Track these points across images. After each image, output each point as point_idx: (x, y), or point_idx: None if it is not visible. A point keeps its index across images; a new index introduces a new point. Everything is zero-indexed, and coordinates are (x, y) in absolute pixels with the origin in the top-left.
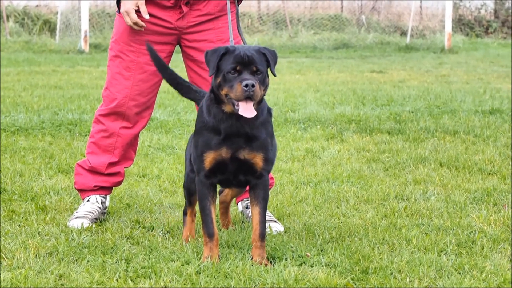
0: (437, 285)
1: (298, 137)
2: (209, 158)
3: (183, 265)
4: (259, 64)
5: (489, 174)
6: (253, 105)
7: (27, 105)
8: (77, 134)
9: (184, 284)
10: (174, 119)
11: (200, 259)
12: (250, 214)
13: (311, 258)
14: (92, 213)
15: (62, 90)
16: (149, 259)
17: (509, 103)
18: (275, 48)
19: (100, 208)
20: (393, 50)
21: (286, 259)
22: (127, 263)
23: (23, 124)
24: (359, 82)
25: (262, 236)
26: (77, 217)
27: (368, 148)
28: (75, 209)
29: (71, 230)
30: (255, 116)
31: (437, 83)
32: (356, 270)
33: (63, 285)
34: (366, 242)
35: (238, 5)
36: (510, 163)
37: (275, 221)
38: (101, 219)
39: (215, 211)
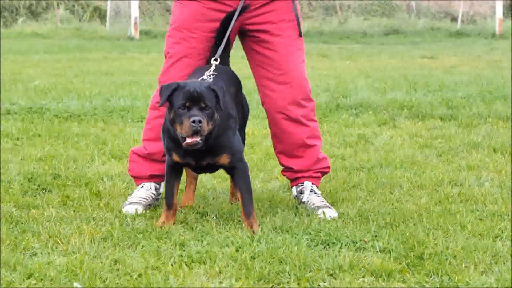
0: (492, 271)
1: (350, 122)
2: (175, 158)
3: (237, 250)
4: (208, 100)
5: None
6: (200, 139)
7: (79, 91)
8: (129, 120)
9: (239, 269)
10: None
11: (254, 244)
12: (303, 200)
13: (366, 243)
14: (146, 199)
15: (113, 76)
16: (203, 244)
17: None
18: (324, 34)
19: (154, 194)
20: (443, 36)
21: (340, 245)
22: (182, 249)
23: (76, 110)
24: (410, 68)
25: (247, 214)
26: (131, 203)
27: (421, 133)
28: (129, 194)
29: (125, 216)
30: (209, 136)
31: (489, 69)
32: (411, 256)
33: (118, 269)
34: (420, 228)
35: None
36: None
37: (329, 207)
38: (155, 205)
39: (178, 186)
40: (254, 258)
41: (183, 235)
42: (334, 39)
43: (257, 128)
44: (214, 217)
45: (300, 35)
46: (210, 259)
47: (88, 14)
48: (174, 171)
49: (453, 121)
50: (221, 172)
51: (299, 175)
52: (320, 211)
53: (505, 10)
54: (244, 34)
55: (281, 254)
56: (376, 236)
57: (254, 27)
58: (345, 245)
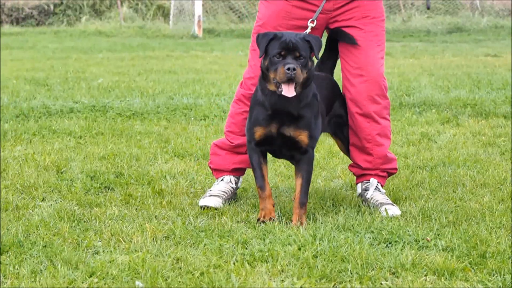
0: None
1: (413, 121)
2: (258, 132)
3: (299, 249)
4: (302, 50)
5: None
6: (295, 87)
7: (142, 89)
8: (192, 119)
9: (301, 268)
10: None
11: (316, 242)
12: (368, 196)
13: (429, 242)
14: (226, 193)
15: (177, 74)
16: (265, 243)
17: None
18: (388, 32)
19: (233, 188)
20: (507, 34)
21: (403, 243)
22: (244, 247)
23: (139, 109)
24: (473, 66)
25: (302, 204)
26: (211, 195)
27: (484, 132)
28: (208, 188)
29: (188, 214)
30: (300, 97)
31: None
32: (474, 254)
33: (180, 268)
34: (483, 226)
35: None
36: None
37: (392, 204)
38: (233, 199)
39: (266, 170)
40: (316, 257)
41: (245, 234)
42: (398, 37)
43: None
44: (277, 215)
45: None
46: (272, 258)
47: (152, 13)
48: (258, 152)
49: None
50: (284, 169)
51: (366, 172)
52: (383, 208)
53: None
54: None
55: (343, 252)
56: (438, 234)
57: (340, 24)
58: (408, 244)
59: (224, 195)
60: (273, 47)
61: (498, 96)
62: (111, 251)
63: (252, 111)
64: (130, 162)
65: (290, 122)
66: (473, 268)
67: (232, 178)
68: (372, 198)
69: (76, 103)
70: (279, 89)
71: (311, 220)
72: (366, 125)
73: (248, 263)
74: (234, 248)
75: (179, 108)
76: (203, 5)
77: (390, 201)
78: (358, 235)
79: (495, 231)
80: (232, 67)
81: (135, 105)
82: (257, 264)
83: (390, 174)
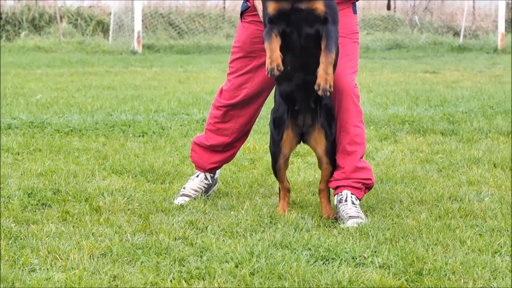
0: (491, 287)
1: None
2: (271, 6)
3: (236, 266)
4: None
5: None
6: None
7: (81, 105)
8: (131, 135)
9: (239, 285)
10: None
11: (253, 260)
12: (340, 208)
13: (365, 259)
14: (197, 191)
15: (116, 90)
16: (202, 260)
17: None
18: None
19: (206, 185)
20: (446, 51)
21: (340, 260)
22: (181, 264)
23: (77, 125)
24: (412, 82)
25: (329, 49)
26: (183, 194)
27: (422, 149)
28: (185, 184)
29: (125, 231)
30: None
31: (491, 84)
32: (410, 272)
33: (117, 286)
34: (420, 243)
35: (355, 3)
36: None
37: (361, 218)
38: (213, 187)
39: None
40: (253, 274)
41: (182, 251)
42: None
43: (258, 143)
44: (214, 232)
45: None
46: (209, 275)
47: (91, 28)
48: (274, 35)
49: (454, 136)
50: (222, 186)
51: (339, 183)
52: (350, 221)
53: (507, 25)
54: None
55: (281, 270)
56: (375, 251)
57: None
58: (345, 261)
59: (195, 194)
60: None
61: (436, 112)
62: (47, 269)
63: None
64: (67, 178)
65: None
66: (409, 285)
67: (208, 175)
68: (343, 210)
69: (14, 119)
70: None
71: (249, 237)
72: (337, 135)
73: (185, 281)
74: (171, 265)
75: (117, 124)
76: (142, 20)
77: (361, 214)
78: (295, 252)
79: (432, 248)
80: (171, 83)
81: (73, 121)
82: (194, 281)
83: (367, 186)
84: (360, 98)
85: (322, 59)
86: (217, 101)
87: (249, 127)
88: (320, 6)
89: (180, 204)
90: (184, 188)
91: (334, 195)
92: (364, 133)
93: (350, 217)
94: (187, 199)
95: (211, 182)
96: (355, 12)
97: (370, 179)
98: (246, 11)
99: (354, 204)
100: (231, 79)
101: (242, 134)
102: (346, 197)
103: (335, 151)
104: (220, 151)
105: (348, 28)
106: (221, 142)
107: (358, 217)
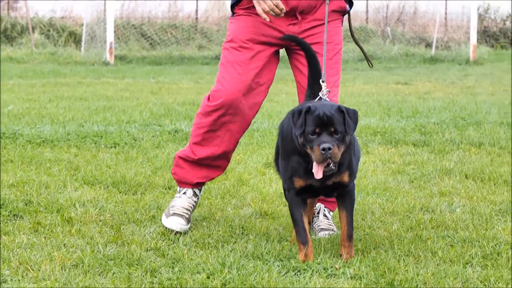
0: None
1: None
2: (298, 183)
3: (208, 277)
4: (337, 124)
5: None
6: (332, 164)
7: (53, 116)
8: (103, 146)
9: None
10: None
11: (225, 271)
12: (313, 220)
13: (337, 270)
14: (189, 210)
15: (88, 101)
16: (174, 271)
17: None
18: None
19: (195, 202)
20: (418, 62)
21: (311, 271)
22: (153, 275)
23: (49, 136)
24: (384, 93)
25: (350, 236)
26: (174, 213)
27: (394, 160)
28: (171, 200)
29: (97, 242)
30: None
31: (462, 95)
32: (382, 282)
33: None
34: (391, 254)
35: (349, 11)
36: None
37: (333, 230)
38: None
39: (307, 220)
40: (225, 285)
41: (154, 262)
42: None
43: None
44: (186, 243)
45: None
46: (181, 286)
47: (64, 39)
48: (298, 205)
49: (425, 147)
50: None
51: None
52: (321, 233)
53: (479, 36)
54: (290, 51)
55: (252, 281)
56: (347, 262)
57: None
58: (316, 272)
59: (187, 213)
60: (308, 123)
61: (408, 124)
62: (19, 280)
63: (290, 158)
64: (39, 189)
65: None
66: None
67: (196, 190)
68: (315, 223)
69: None
70: (310, 165)
71: (220, 248)
72: None
73: None
74: (143, 276)
75: (89, 135)
76: (115, 31)
77: (332, 226)
78: (267, 264)
79: (403, 259)
80: (143, 94)
81: (45, 132)
82: None
83: None
84: None
85: (344, 243)
86: (205, 107)
87: (240, 136)
88: (345, 179)
89: (173, 228)
90: (173, 207)
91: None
92: None
93: (322, 229)
94: (182, 221)
95: (196, 200)
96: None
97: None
98: (237, 4)
99: (326, 216)
100: (222, 75)
101: (233, 145)
102: (319, 210)
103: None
104: (208, 164)
105: (340, 42)
106: (211, 154)
107: (329, 229)
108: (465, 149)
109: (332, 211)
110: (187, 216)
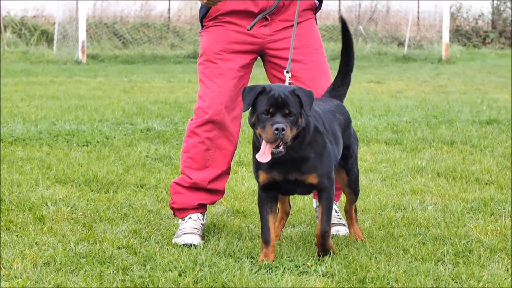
0: None
1: None
2: (262, 177)
3: (180, 275)
4: (292, 106)
5: (486, 184)
6: (279, 146)
7: (25, 115)
8: (75, 144)
9: None
10: (172, 129)
11: (197, 268)
12: (317, 215)
13: (309, 267)
14: (198, 229)
15: (60, 100)
16: (146, 269)
17: (506, 113)
18: None
19: (202, 225)
20: (390, 61)
21: (283, 269)
22: (125, 273)
23: (21, 135)
24: (356, 92)
25: (324, 232)
26: (185, 233)
27: (366, 158)
28: (177, 230)
29: (69, 240)
30: (299, 140)
31: (435, 94)
32: (354, 280)
33: None
34: (363, 252)
35: (316, 12)
36: (508, 173)
37: (343, 225)
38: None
39: (274, 220)
40: (196, 283)
41: (126, 260)
42: None
43: None
44: (158, 241)
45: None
46: (153, 284)
47: (36, 38)
48: (267, 201)
49: (398, 146)
50: (166, 195)
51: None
52: (333, 229)
53: (451, 35)
54: (264, 58)
55: (224, 278)
56: (319, 260)
57: (274, 53)
58: (288, 269)
59: (198, 231)
60: (261, 103)
61: (380, 122)
62: None
63: (253, 155)
64: (11, 188)
65: (294, 166)
66: None
67: (199, 215)
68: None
69: None
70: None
71: (193, 246)
72: None
73: None
74: (115, 274)
75: (61, 134)
76: (87, 30)
77: (342, 221)
78: (239, 261)
79: (375, 257)
80: (115, 93)
81: (17, 130)
82: None
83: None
84: None
85: (318, 238)
86: (190, 126)
87: (230, 153)
88: (313, 180)
89: (187, 242)
90: (181, 229)
91: (314, 198)
92: None
93: (332, 224)
94: (195, 237)
95: (203, 223)
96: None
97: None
98: (205, 17)
99: (335, 210)
100: (202, 91)
101: (226, 165)
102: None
103: (356, 178)
104: (205, 188)
105: (318, 41)
106: (206, 176)
107: (340, 223)
108: (437, 147)
109: (337, 201)
110: (199, 233)
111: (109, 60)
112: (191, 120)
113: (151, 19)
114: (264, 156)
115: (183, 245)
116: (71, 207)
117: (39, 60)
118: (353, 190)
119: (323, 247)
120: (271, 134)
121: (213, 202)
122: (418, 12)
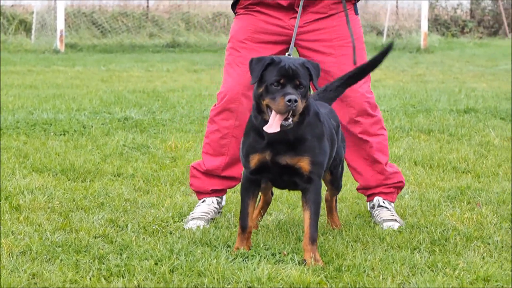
0: (410, 283)
1: None
2: (254, 160)
3: (156, 264)
4: (302, 78)
5: (463, 172)
6: (288, 117)
7: (2, 105)
8: (52, 134)
9: (158, 283)
10: (149, 119)
11: (173, 257)
12: (374, 214)
13: (285, 256)
14: (208, 213)
15: (37, 89)
16: (122, 257)
17: (484, 102)
18: None
19: (216, 208)
20: (369, 50)
21: (260, 257)
22: (101, 262)
23: None
24: None
25: (313, 239)
26: (193, 218)
27: None
28: (191, 211)
29: (45, 229)
30: (300, 121)
31: (413, 83)
32: (330, 268)
33: (36, 284)
34: (339, 240)
35: (356, 3)
36: (484, 161)
37: (395, 220)
38: (216, 218)
39: (253, 206)
40: (173, 271)
41: (102, 249)
42: None
43: (180, 141)
44: (134, 230)
45: (354, 63)
46: (128, 273)
47: (14, 27)
48: (249, 187)
49: None
50: (143, 184)
51: (370, 192)
52: (385, 224)
53: (430, 24)
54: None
55: (200, 267)
56: (295, 248)
57: (304, 44)
58: (264, 258)
59: (206, 216)
60: (271, 74)
61: None
62: None
63: (246, 139)
64: None
65: (288, 148)
66: (328, 281)
67: (214, 199)
68: (377, 215)
69: None
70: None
71: (168, 234)
72: (358, 147)
73: (105, 278)
74: (91, 263)
75: (38, 123)
76: (65, 19)
77: (395, 217)
78: (215, 250)
79: (351, 245)
80: (93, 82)
81: None
82: (114, 279)
83: (398, 188)
84: (377, 106)
85: (307, 246)
86: (211, 112)
87: None
88: (304, 166)
89: (192, 228)
90: (192, 213)
91: (367, 201)
92: (386, 139)
93: (384, 220)
94: (200, 222)
95: (218, 207)
96: (356, 12)
97: (401, 181)
98: (237, 4)
99: (387, 208)
100: (223, 78)
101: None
102: (378, 204)
103: (339, 177)
104: (219, 176)
105: (353, 34)
106: (219, 164)
107: (393, 219)
108: (415, 136)
109: (393, 202)
110: (206, 218)
111: (88, 49)
112: (214, 106)
113: (129, 8)
114: (273, 127)
115: (189, 230)
116: (48, 196)
117: (17, 49)
118: (335, 187)
119: (314, 254)
120: (283, 105)
121: (229, 187)
122: (397, 1)
